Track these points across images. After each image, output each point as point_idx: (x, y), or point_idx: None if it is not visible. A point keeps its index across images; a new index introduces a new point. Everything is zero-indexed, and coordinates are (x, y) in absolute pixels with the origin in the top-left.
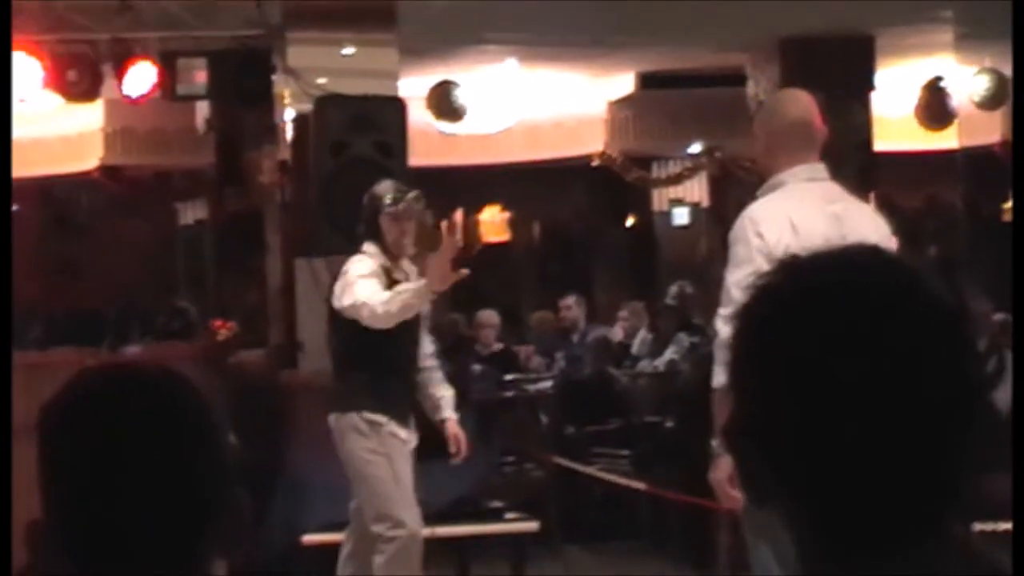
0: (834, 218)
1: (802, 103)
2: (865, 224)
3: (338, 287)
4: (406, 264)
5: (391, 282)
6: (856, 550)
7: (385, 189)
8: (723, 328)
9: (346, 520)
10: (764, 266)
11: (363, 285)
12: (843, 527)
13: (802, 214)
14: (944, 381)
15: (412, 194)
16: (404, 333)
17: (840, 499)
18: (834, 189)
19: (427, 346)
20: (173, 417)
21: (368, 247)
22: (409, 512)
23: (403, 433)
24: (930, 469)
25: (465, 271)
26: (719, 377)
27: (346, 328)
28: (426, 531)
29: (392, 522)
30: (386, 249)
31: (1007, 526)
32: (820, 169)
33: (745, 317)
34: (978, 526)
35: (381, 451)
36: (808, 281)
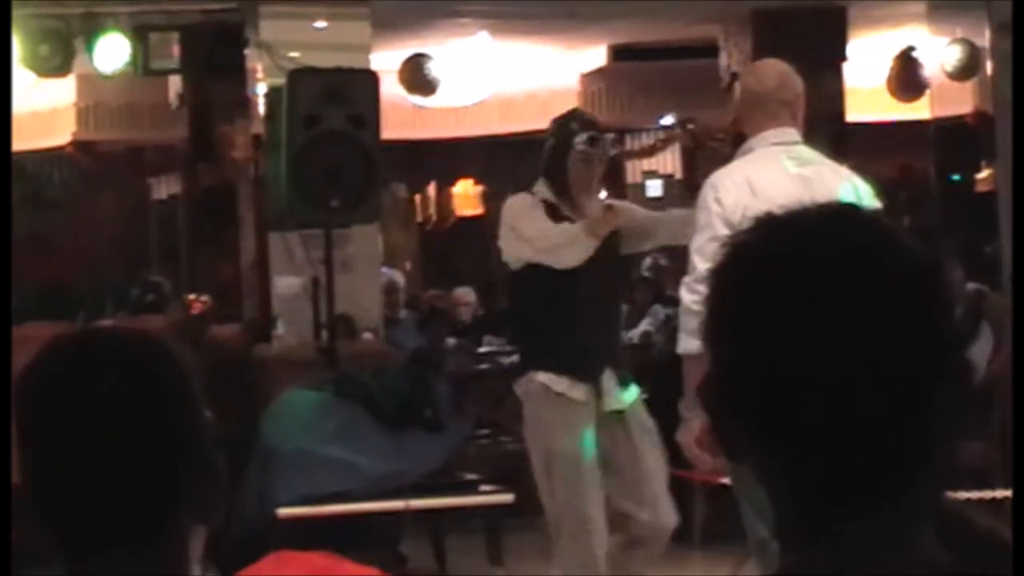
0: (801, 180)
1: (775, 72)
2: (838, 188)
3: (501, 231)
4: (582, 206)
5: (559, 219)
6: (828, 506)
7: (578, 127)
8: (686, 295)
9: (318, 493)
10: (722, 231)
11: (524, 224)
12: (816, 484)
13: (762, 176)
14: (919, 336)
15: (609, 136)
16: (587, 280)
17: (813, 455)
18: (806, 152)
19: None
20: (148, 380)
21: (539, 186)
22: (589, 504)
23: (580, 394)
24: (904, 426)
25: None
26: (684, 343)
27: (517, 277)
28: (401, 504)
29: (568, 515)
30: (564, 189)
31: (981, 494)
32: (789, 133)
33: (720, 275)
34: (952, 494)
35: (548, 419)
36: (783, 239)
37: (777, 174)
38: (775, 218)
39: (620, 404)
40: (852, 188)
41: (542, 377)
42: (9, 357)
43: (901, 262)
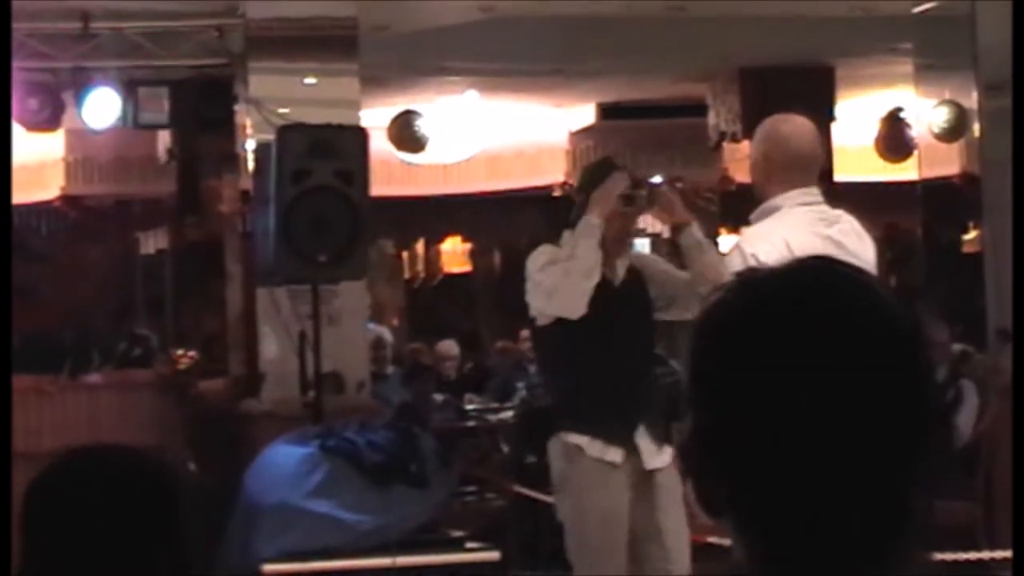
0: (832, 243)
1: (800, 130)
2: (861, 246)
3: (528, 288)
4: (614, 263)
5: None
6: (805, 565)
7: (614, 185)
8: None
9: (303, 548)
10: None
11: (543, 276)
12: (793, 542)
13: (797, 236)
14: (897, 397)
15: (644, 192)
16: (617, 331)
17: (790, 518)
18: (829, 212)
19: None
20: (139, 504)
21: (566, 238)
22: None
23: (615, 457)
24: (883, 488)
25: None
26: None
27: (542, 333)
28: (386, 560)
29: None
30: (602, 244)
31: (966, 555)
32: (815, 193)
33: (699, 333)
34: (937, 555)
35: (580, 481)
36: (761, 297)
37: (809, 234)
38: (752, 276)
39: (656, 463)
40: (866, 245)
41: (573, 439)
42: (9, 380)
43: (880, 320)
